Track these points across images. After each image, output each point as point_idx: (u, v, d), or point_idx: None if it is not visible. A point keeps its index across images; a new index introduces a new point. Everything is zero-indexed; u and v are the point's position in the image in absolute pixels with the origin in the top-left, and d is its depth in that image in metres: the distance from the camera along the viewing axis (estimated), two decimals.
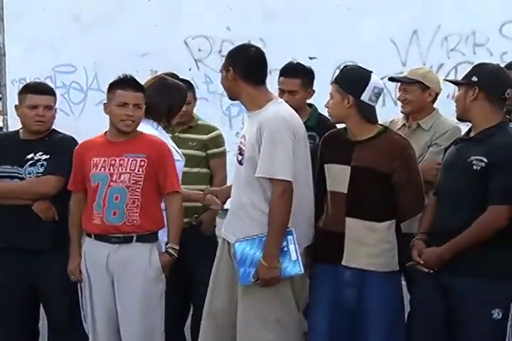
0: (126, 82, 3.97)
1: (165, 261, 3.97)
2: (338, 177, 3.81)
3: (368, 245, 3.75)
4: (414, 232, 3.86)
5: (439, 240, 3.63)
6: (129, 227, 3.92)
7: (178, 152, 4.25)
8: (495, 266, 3.54)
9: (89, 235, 4.01)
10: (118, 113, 3.92)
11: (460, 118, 3.79)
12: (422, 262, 3.63)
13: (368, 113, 3.78)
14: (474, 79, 3.64)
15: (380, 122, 3.91)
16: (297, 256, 3.72)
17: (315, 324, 3.86)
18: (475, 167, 3.55)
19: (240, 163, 3.83)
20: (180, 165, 4.20)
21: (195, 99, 4.93)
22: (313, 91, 4.68)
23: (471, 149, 3.62)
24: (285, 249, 3.71)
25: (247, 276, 3.74)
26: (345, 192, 3.78)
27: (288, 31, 7.74)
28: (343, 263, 3.77)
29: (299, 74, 4.61)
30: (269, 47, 7.83)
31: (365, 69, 3.86)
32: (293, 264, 3.73)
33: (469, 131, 3.75)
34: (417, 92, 4.51)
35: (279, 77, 4.65)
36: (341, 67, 3.91)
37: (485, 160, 3.53)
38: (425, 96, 4.52)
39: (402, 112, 4.62)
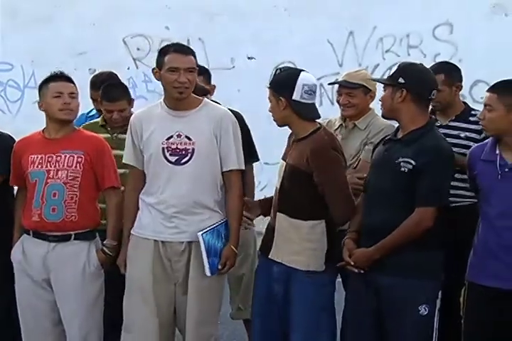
0: (55, 76, 4.04)
1: (101, 259, 4.00)
2: (279, 172, 3.88)
3: (293, 242, 3.78)
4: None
5: (366, 239, 3.67)
6: (67, 224, 3.93)
7: None
8: (421, 265, 3.60)
9: (27, 232, 4.01)
10: (54, 103, 3.95)
11: (386, 117, 3.86)
12: (352, 263, 3.66)
13: (303, 111, 3.78)
14: (401, 80, 3.64)
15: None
16: None
17: (253, 317, 3.95)
18: (402, 168, 3.59)
19: (178, 163, 3.84)
20: None
21: (130, 104, 4.71)
22: (215, 86, 4.83)
23: (398, 150, 3.65)
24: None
25: (214, 266, 3.83)
26: (279, 187, 3.85)
27: (227, 31, 7.79)
28: (270, 256, 3.83)
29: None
30: (208, 47, 7.96)
31: (295, 68, 3.90)
32: None
33: (397, 130, 3.78)
34: (361, 96, 4.53)
35: None
36: (276, 69, 3.94)
37: (412, 162, 3.57)
38: (367, 98, 4.56)
39: (344, 115, 4.59)
